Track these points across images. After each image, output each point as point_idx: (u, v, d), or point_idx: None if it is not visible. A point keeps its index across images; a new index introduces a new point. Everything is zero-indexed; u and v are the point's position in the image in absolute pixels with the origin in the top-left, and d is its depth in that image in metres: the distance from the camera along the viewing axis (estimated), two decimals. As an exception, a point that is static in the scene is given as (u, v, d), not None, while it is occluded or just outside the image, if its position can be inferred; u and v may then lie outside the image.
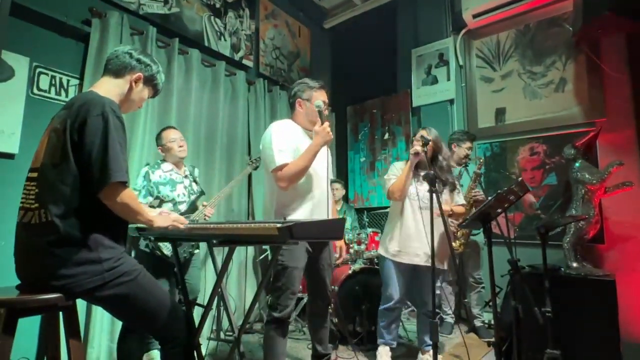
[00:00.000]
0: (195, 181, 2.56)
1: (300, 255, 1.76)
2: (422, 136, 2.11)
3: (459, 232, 2.76)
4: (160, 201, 2.36)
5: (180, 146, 2.45)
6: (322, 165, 1.81)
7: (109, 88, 1.34)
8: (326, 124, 1.72)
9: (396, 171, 2.34)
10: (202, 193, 2.58)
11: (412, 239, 2.22)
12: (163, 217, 1.38)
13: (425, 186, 2.20)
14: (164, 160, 2.46)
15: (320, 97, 1.85)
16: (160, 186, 2.35)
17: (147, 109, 2.75)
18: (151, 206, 2.30)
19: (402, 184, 2.21)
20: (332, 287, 2.70)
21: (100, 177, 1.16)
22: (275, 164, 1.71)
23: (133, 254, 2.40)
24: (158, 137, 2.48)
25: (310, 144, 1.75)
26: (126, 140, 1.27)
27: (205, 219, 2.48)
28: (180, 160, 2.49)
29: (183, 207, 2.40)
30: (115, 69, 1.37)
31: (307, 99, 1.86)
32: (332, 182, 3.91)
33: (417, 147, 2.06)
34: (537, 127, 3.30)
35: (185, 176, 2.50)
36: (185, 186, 2.46)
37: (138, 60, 1.40)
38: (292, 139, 1.81)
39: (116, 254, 1.24)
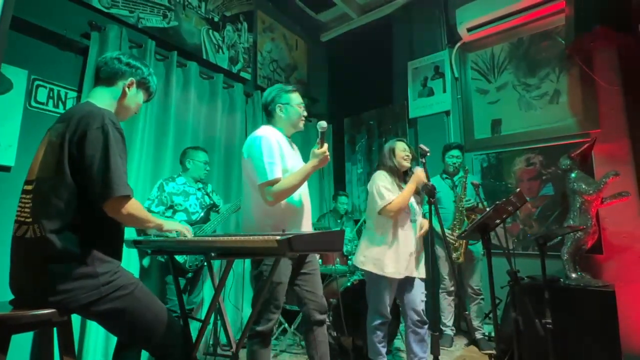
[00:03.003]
0: (207, 195, 2.76)
1: (284, 269, 1.68)
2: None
3: (457, 243, 2.76)
4: (174, 210, 2.54)
5: (207, 170, 2.74)
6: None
7: (104, 98, 1.34)
8: (325, 146, 1.64)
9: (387, 184, 2.18)
10: (213, 205, 2.76)
11: (407, 253, 2.16)
12: (171, 222, 1.42)
13: (414, 199, 2.20)
14: (179, 175, 2.66)
15: (297, 99, 1.85)
16: (174, 196, 2.56)
17: (145, 120, 2.75)
18: (165, 215, 2.51)
19: (407, 203, 2.13)
20: (331, 300, 2.67)
21: (103, 192, 1.14)
22: (266, 177, 1.62)
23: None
24: (186, 152, 2.70)
25: (306, 165, 1.69)
26: (126, 151, 1.25)
27: (214, 231, 2.64)
28: (198, 179, 2.74)
29: (195, 217, 2.59)
30: (106, 77, 1.36)
31: (287, 103, 1.83)
32: (340, 195, 3.92)
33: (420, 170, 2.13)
34: (533, 138, 3.33)
35: (198, 189, 2.70)
36: (197, 197, 2.67)
37: (128, 65, 1.38)
38: (282, 152, 1.74)
39: (112, 267, 1.21)
